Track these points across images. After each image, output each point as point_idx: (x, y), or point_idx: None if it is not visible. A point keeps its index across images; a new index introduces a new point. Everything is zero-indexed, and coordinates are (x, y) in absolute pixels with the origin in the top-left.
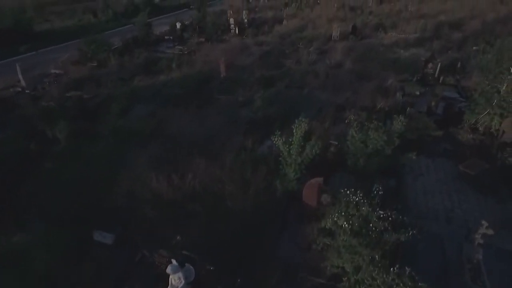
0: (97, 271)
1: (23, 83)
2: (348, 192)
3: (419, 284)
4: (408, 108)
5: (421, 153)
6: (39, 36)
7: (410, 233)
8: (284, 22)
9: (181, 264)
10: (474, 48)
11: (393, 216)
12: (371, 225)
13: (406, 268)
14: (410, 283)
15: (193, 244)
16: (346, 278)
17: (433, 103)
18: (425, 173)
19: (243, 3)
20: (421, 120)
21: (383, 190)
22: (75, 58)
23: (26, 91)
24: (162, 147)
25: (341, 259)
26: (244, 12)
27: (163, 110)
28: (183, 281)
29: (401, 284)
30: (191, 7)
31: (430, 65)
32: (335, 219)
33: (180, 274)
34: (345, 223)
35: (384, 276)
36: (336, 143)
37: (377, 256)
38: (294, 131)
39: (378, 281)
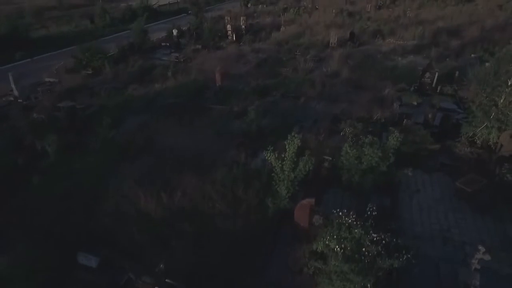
0: None
1: (15, 92)
2: (340, 213)
3: None
4: (405, 120)
5: (417, 168)
6: (35, 43)
7: (404, 258)
8: (282, 28)
9: None
10: (472, 55)
11: (387, 239)
12: (363, 249)
13: None
14: None
15: (179, 269)
16: None
17: (430, 115)
18: (421, 189)
19: (242, 8)
20: (418, 133)
21: (378, 209)
22: (70, 66)
23: (19, 100)
24: (152, 161)
25: (333, 286)
26: (241, 18)
27: (156, 122)
28: None
29: None
30: (189, 12)
31: (427, 74)
32: (327, 242)
33: None
34: (337, 246)
35: None
36: (330, 158)
37: (369, 285)
38: (286, 146)
39: None
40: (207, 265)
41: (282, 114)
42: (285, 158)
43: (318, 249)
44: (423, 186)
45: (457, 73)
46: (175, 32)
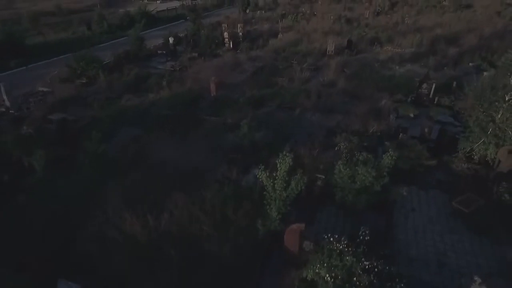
0: None
1: (7, 103)
2: (331, 239)
3: None
4: (401, 134)
5: (413, 184)
6: (31, 50)
7: None
8: (280, 35)
9: None
10: (470, 64)
11: (380, 267)
12: (355, 278)
13: None
14: None
15: None
16: None
17: (426, 130)
18: (417, 208)
19: (240, 14)
20: (414, 148)
21: (372, 230)
22: (64, 75)
23: (10, 111)
24: (141, 179)
25: None
26: (239, 25)
27: (148, 134)
28: None
29: None
30: (187, 18)
31: (424, 85)
32: (317, 270)
33: None
34: (327, 275)
35: None
36: (323, 176)
37: None
38: (278, 165)
39: None
40: None
41: (276, 127)
42: (277, 177)
43: (308, 277)
44: (418, 205)
45: (454, 83)
46: (171, 40)
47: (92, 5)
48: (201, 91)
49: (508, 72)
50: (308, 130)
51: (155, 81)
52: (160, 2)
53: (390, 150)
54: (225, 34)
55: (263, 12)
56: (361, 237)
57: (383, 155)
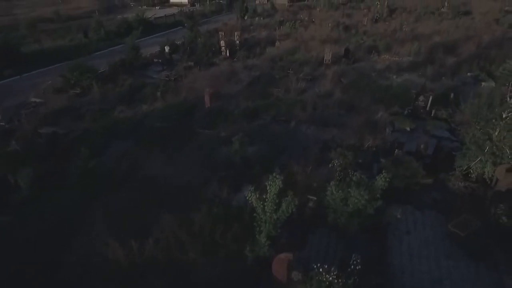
0: None
1: None
2: (320, 269)
3: None
4: (396, 150)
5: (408, 204)
6: (27, 58)
7: None
8: (277, 43)
9: None
10: (468, 74)
11: None
12: None
13: None
14: None
15: None
16: None
17: (422, 146)
18: (412, 230)
19: (238, 21)
20: (409, 165)
21: (365, 256)
22: (58, 85)
23: (1, 123)
24: (129, 198)
25: None
26: (236, 33)
27: (140, 148)
28: None
29: None
30: (185, 25)
31: (421, 97)
32: None
33: None
34: None
35: None
36: (315, 198)
37: None
38: (268, 187)
39: None
40: None
41: (271, 140)
42: (267, 200)
43: None
44: (414, 226)
45: (452, 95)
46: (167, 49)
47: (91, 11)
48: (195, 102)
49: (507, 82)
50: (303, 144)
51: (149, 91)
52: (159, 8)
53: (384, 171)
54: (222, 43)
55: (261, 18)
56: (352, 266)
57: (377, 176)
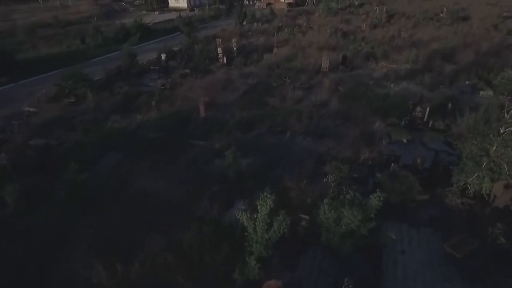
0: None
1: None
2: None
3: None
4: (392, 164)
5: (404, 221)
6: (24, 64)
7: None
8: (275, 50)
9: None
10: (466, 82)
11: None
12: None
13: None
14: None
15: None
16: None
17: (418, 160)
18: (407, 250)
19: (236, 27)
20: (405, 181)
21: (359, 278)
22: (53, 93)
23: None
24: (117, 215)
25: None
26: (233, 40)
27: (132, 161)
28: None
29: None
30: (183, 31)
31: (418, 108)
32: None
33: None
34: None
35: None
36: (307, 217)
37: None
38: (258, 207)
39: None
40: None
41: (265, 152)
42: (258, 219)
43: None
44: (409, 246)
45: (449, 105)
46: (163, 56)
47: (90, 16)
48: (190, 112)
49: (505, 91)
50: (298, 156)
51: (144, 100)
52: (158, 13)
53: (378, 190)
54: (219, 50)
55: (260, 24)
56: None
57: (371, 195)
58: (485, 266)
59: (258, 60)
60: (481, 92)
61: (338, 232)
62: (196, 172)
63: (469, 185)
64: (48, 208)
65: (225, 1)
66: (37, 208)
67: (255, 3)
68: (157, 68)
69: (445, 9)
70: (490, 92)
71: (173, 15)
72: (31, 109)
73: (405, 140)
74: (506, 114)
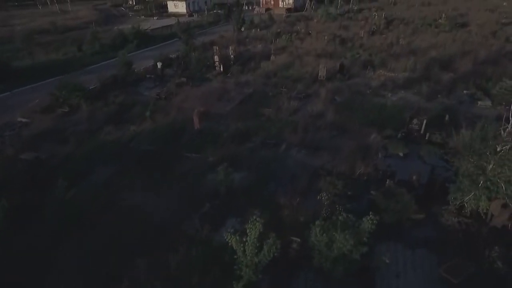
0: None
1: None
2: None
3: None
4: (388, 180)
5: (399, 241)
6: (20, 72)
7: None
8: (272, 57)
9: None
10: (464, 92)
11: None
12: None
13: None
14: None
15: None
16: None
17: (414, 177)
18: (402, 273)
19: (234, 33)
20: (401, 199)
21: None
22: (47, 103)
23: None
24: (105, 236)
25: None
26: (230, 48)
27: (122, 175)
28: None
29: None
30: (180, 37)
31: (415, 120)
32: None
33: None
34: None
35: None
36: (298, 240)
37: None
38: (248, 231)
39: None
40: None
41: (259, 166)
42: (247, 243)
43: None
44: (404, 268)
45: (447, 116)
46: (159, 65)
47: (89, 21)
48: (185, 123)
49: (503, 101)
50: (292, 171)
51: (138, 111)
52: (157, 18)
53: (371, 213)
54: (215, 58)
55: (258, 30)
56: None
57: (364, 218)
58: None
59: (255, 68)
60: (479, 102)
61: (329, 256)
62: (188, 187)
63: (466, 203)
64: (35, 227)
65: (224, 7)
66: (24, 226)
67: (254, 8)
68: (153, 76)
69: (443, 15)
70: (488, 102)
71: (172, 21)
72: (24, 120)
73: (401, 154)
74: (503, 132)
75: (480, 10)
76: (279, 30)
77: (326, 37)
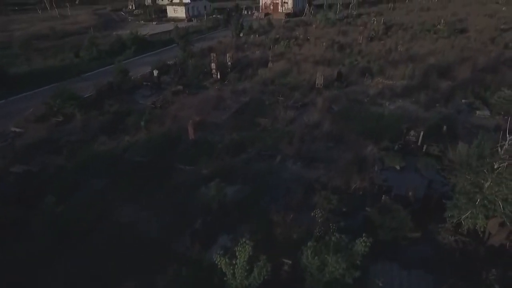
0: None
1: None
2: None
3: None
4: (384, 196)
5: (394, 261)
6: (16, 79)
7: None
8: (270, 64)
9: None
10: (463, 101)
11: None
12: None
13: None
14: None
15: None
16: None
17: (410, 193)
18: None
19: (233, 39)
20: (397, 215)
21: None
22: (41, 112)
23: None
24: (92, 254)
25: None
26: (227, 55)
27: (114, 188)
28: None
29: None
30: (178, 43)
31: (412, 132)
32: None
33: None
34: None
35: None
36: (290, 262)
37: None
38: (237, 253)
39: None
40: None
41: (253, 179)
42: (237, 266)
43: None
44: None
45: (444, 128)
46: (155, 73)
47: (88, 26)
48: (180, 133)
49: (502, 111)
50: (287, 184)
51: (133, 120)
52: (156, 24)
53: (364, 235)
54: (212, 65)
55: (257, 35)
56: None
57: (357, 240)
58: None
59: (252, 75)
60: (478, 112)
61: (321, 280)
62: (180, 202)
63: (463, 221)
64: (21, 245)
65: (223, 11)
66: (10, 243)
67: (254, 13)
68: (149, 84)
69: (442, 21)
70: (487, 112)
71: (171, 26)
72: (17, 130)
73: (398, 167)
74: (500, 150)
75: (479, 15)
76: (277, 35)
77: (324, 43)
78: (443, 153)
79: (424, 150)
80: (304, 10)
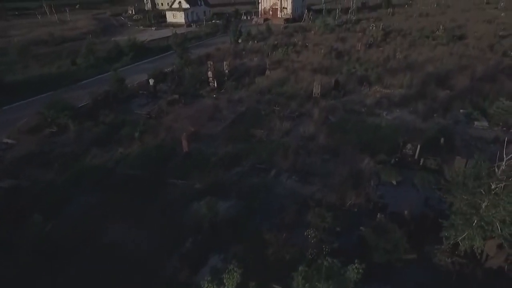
0: None
1: None
2: None
3: None
4: (379, 214)
5: (388, 283)
6: (11, 88)
7: None
8: (267, 72)
9: None
10: (461, 111)
11: None
12: None
13: None
14: None
15: None
16: None
17: (406, 212)
18: None
19: (231, 46)
20: (392, 237)
21: None
22: (34, 122)
23: None
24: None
25: None
26: (225, 63)
27: (104, 204)
28: None
29: None
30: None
31: (409, 145)
32: None
33: None
34: None
35: None
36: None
37: None
38: (225, 280)
39: None
40: None
41: (247, 195)
42: None
43: None
44: None
45: (442, 140)
46: (151, 81)
47: (87, 32)
48: (174, 145)
49: (500, 121)
50: (281, 200)
51: (128, 131)
52: (155, 29)
53: (356, 262)
54: (209, 74)
55: (255, 41)
56: None
57: (349, 267)
58: None
59: (249, 84)
60: (476, 123)
61: None
62: (171, 220)
63: (460, 242)
64: (8, 263)
65: (222, 17)
66: None
67: (253, 18)
68: (145, 92)
69: (441, 27)
70: (485, 123)
71: (170, 31)
72: (9, 141)
73: (394, 182)
74: (497, 170)
75: (478, 21)
76: (276, 42)
77: (322, 51)
78: (440, 168)
79: (421, 163)
80: (303, 15)
